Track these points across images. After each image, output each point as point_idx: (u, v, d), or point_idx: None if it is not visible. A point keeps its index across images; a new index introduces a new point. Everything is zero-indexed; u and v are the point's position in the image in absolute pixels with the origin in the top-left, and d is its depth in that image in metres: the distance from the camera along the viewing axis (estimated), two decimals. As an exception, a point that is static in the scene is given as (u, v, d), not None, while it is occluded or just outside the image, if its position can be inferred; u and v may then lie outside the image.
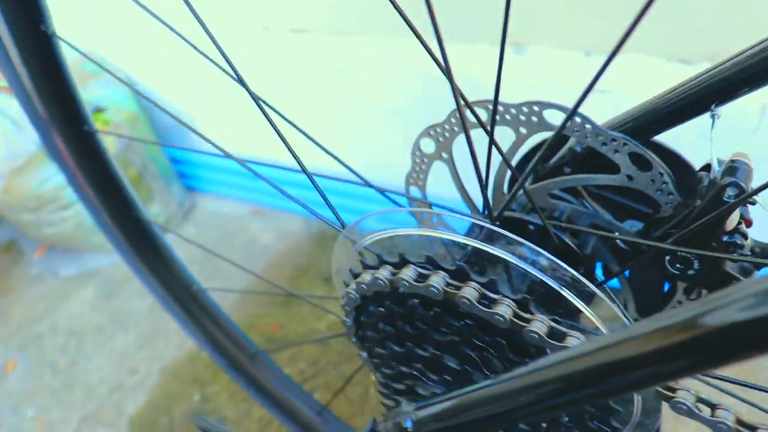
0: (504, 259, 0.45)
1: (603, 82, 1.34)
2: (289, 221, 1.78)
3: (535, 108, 0.55)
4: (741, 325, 0.27)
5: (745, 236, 0.51)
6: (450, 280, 0.47)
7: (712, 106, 0.50)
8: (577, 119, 0.54)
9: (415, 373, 0.51)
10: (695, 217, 0.49)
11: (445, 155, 0.65)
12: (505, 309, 0.45)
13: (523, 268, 0.45)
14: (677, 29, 1.17)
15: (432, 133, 0.64)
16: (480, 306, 0.45)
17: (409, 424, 0.42)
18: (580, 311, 0.45)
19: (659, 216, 0.55)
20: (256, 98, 0.59)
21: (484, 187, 0.50)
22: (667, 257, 0.54)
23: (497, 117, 0.56)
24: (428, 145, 0.65)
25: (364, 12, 1.46)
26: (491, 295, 0.46)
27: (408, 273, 0.48)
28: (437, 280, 0.47)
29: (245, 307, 1.55)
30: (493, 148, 0.52)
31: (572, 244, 0.58)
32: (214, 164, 1.90)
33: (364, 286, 0.52)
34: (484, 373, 0.48)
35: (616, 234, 0.56)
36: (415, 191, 0.70)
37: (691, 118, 0.52)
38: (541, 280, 0.46)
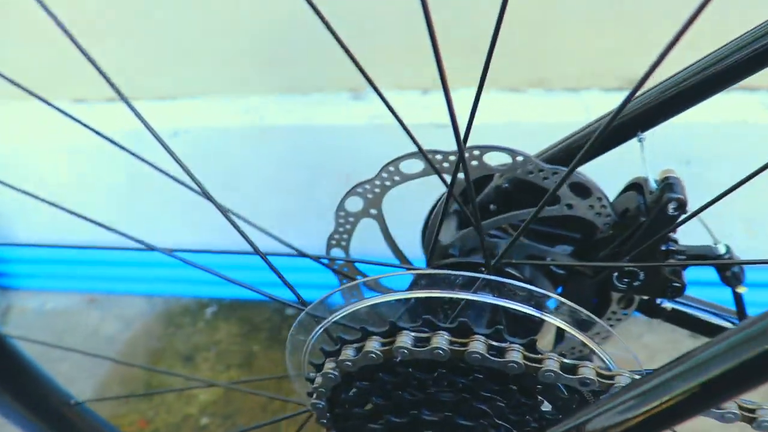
0: (513, 308, 0.45)
1: (443, 118, 1.40)
2: (129, 305, 1.61)
3: (476, 152, 0.56)
4: None
5: (676, 242, 0.56)
6: (454, 339, 0.45)
7: (638, 132, 0.55)
8: (519, 158, 0.55)
9: (425, 441, 0.49)
10: (644, 233, 0.53)
11: (373, 211, 0.63)
12: (516, 355, 0.44)
13: (534, 314, 0.45)
14: (506, 63, 1.27)
15: (360, 191, 0.62)
16: (492, 358, 0.44)
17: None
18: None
19: (599, 237, 0.58)
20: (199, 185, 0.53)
21: (482, 238, 0.49)
22: (615, 274, 0.57)
23: (437, 166, 0.56)
24: (355, 204, 0.63)
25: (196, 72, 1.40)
26: (499, 344, 0.45)
27: (405, 340, 0.46)
28: (441, 341, 0.45)
29: (101, 408, 1.36)
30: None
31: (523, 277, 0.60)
32: (25, 256, 1.68)
33: (348, 363, 0.48)
34: (497, 422, 0.47)
35: (591, 263, 0.58)
36: (337, 252, 0.68)
37: (619, 144, 0.56)
38: (540, 318, 0.46)
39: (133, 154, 0.53)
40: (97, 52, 0.49)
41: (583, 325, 0.47)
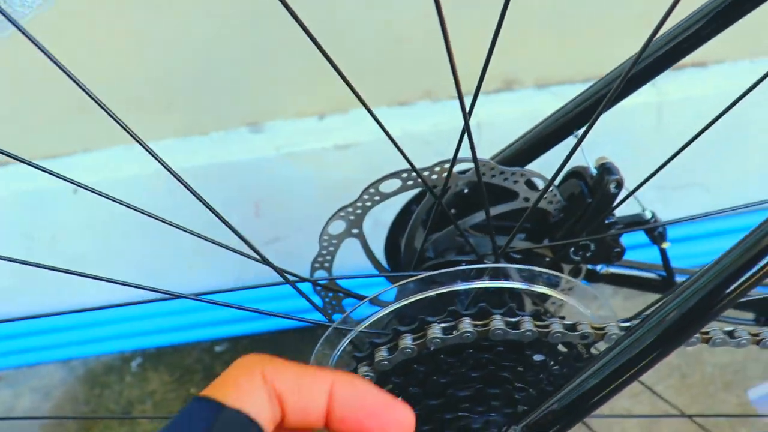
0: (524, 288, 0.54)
1: (345, 138, 1.48)
2: (45, 374, 1.53)
3: (446, 165, 0.65)
4: None
5: (614, 214, 0.69)
6: (476, 322, 0.54)
7: (573, 130, 0.66)
8: (483, 166, 0.65)
9: (461, 414, 0.56)
10: (592, 212, 0.65)
11: (355, 231, 0.70)
12: (529, 325, 0.54)
13: (536, 291, 0.55)
14: (392, 77, 1.37)
15: (342, 214, 0.69)
16: (512, 330, 0.53)
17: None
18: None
19: (551, 222, 0.70)
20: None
21: (492, 232, 0.58)
22: (572, 249, 0.68)
23: (412, 182, 0.65)
24: (338, 227, 0.70)
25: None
26: (513, 319, 0.54)
27: (435, 331, 0.53)
28: (467, 326, 0.53)
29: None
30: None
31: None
32: None
33: (385, 362, 0.55)
34: (518, 385, 0.56)
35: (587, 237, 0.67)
36: (322, 273, 0.73)
37: (559, 141, 0.67)
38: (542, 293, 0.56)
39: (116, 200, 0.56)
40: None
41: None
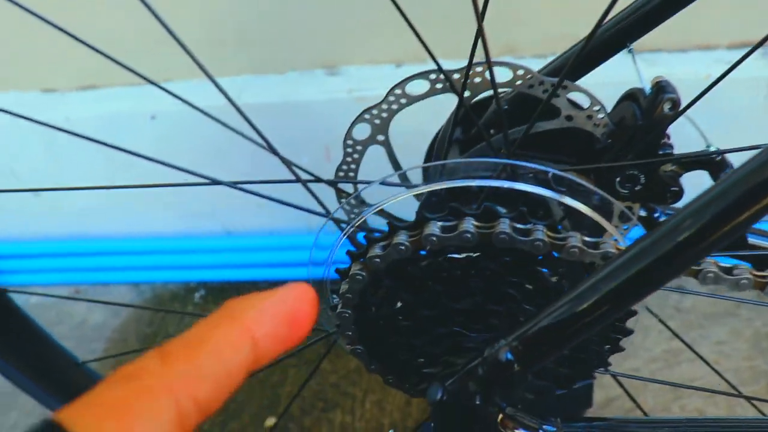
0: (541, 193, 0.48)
1: (419, 87, 1.43)
2: (117, 294, 1.61)
3: (478, 69, 0.59)
4: None
5: (671, 147, 0.60)
6: (479, 223, 0.48)
7: (627, 43, 0.58)
8: (520, 71, 0.59)
9: (456, 329, 0.51)
10: (641, 135, 0.57)
11: (381, 137, 0.66)
12: (541, 234, 0.47)
13: (557, 199, 0.48)
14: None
15: (367, 116, 0.64)
16: (519, 238, 0.47)
17: (509, 356, 0.42)
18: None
19: (598, 148, 0.62)
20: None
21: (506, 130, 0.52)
22: (618, 179, 0.61)
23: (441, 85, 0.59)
24: (363, 131, 0.66)
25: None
26: (523, 226, 0.48)
27: (433, 228, 0.48)
28: (468, 226, 0.47)
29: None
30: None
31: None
32: (6, 252, 1.66)
33: (377, 260, 0.50)
34: (526, 307, 0.50)
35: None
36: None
37: (611, 56, 0.60)
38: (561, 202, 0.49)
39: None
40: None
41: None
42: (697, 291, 0.77)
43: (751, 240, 0.65)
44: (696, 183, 0.62)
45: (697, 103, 0.52)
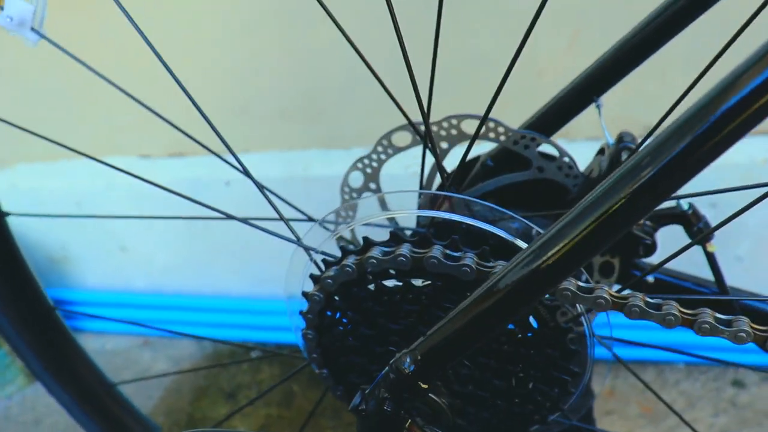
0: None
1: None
2: (180, 347, 1.71)
3: (453, 121, 0.64)
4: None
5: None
6: (415, 249, 0.52)
7: (594, 98, 0.62)
8: (491, 124, 0.63)
9: (392, 348, 0.54)
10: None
11: (372, 185, 0.71)
12: (470, 261, 0.50)
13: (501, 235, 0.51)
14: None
15: (360, 165, 0.71)
16: (447, 262, 0.50)
17: (409, 363, 0.44)
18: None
19: (569, 199, 0.64)
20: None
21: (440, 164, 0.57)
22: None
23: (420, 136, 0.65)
24: (356, 179, 0.72)
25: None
26: (455, 253, 0.51)
27: (375, 252, 0.52)
28: (404, 250, 0.51)
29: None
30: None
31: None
32: (90, 299, 1.81)
33: (329, 281, 0.55)
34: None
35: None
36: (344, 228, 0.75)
37: (580, 111, 0.63)
38: (495, 234, 0.52)
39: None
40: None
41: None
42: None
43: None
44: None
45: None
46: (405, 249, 0.51)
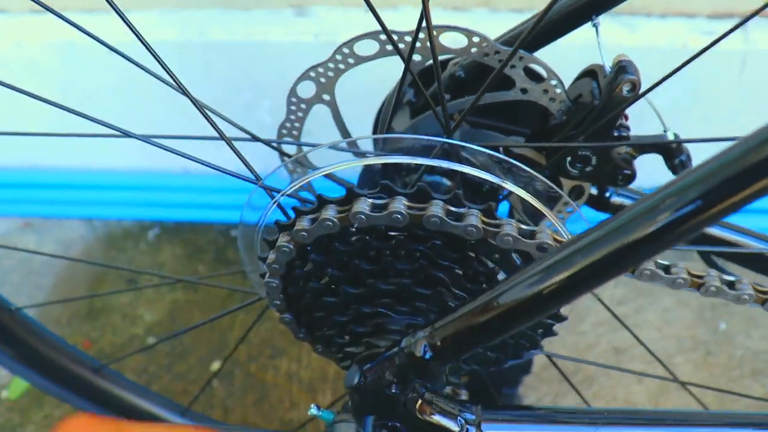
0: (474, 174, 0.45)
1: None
2: (68, 228, 1.56)
3: (434, 33, 0.55)
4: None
5: (628, 128, 0.57)
6: (411, 203, 0.45)
7: (593, 16, 0.55)
8: (475, 38, 0.55)
9: (381, 310, 0.49)
10: (597, 116, 0.54)
11: (326, 97, 0.62)
12: (475, 219, 0.44)
13: (494, 182, 0.45)
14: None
15: (313, 74, 0.60)
16: (451, 222, 0.44)
17: (426, 349, 0.40)
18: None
19: (552, 124, 0.59)
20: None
21: (445, 109, 0.49)
22: (569, 159, 0.58)
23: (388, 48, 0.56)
24: (307, 89, 0.62)
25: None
26: (457, 209, 0.45)
27: (362, 206, 0.45)
28: (399, 206, 0.45)
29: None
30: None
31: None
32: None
33: (303, 233, 0.47)
34: (455, 292, 0.48)
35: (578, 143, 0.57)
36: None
37: (574, 28, 0.56)
38: (500, 186, 0.46)
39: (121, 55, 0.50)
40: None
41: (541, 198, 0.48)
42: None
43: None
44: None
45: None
46: (400, 204, 0.45)
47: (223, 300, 1.38)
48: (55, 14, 0.48)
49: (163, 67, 0.50)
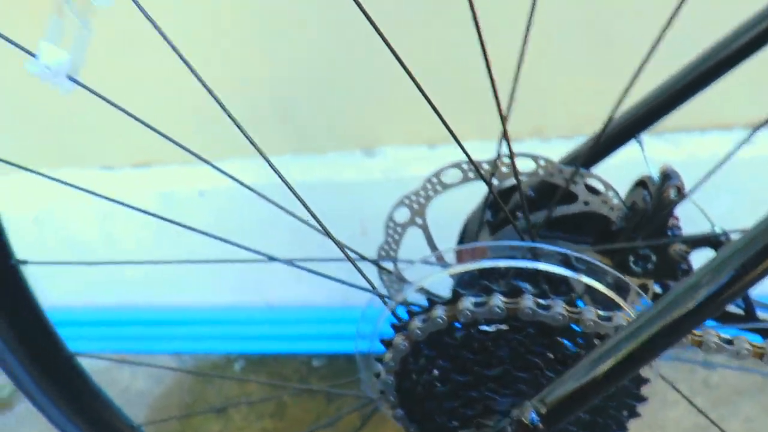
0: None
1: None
2: (160, 362, 1.68)
3: (506, 160, 0.67)
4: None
5: (680, 228, 0.67)
6: (507, 299, 0.55)
7: (636, 134, 0.66)
8: (541, 161, 0.67)
9: (488, 393, 0.57)
10: (650, 219, 0.64)
11: (419, 220, 0.74)
12: (560, 308, 0.54)
13: (583, 280, 0.55)
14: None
15: (407, 201, 0.73)
16: (541, 311, 0.54)
17: (534, 418, 0.48)
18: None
19: (613, 230, 0.69)
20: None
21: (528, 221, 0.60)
22: (631, 258, 0.67)
23: (471, 175, 0.68)
24: (402, 215, 0.74)
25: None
26: (545, 301, 0.55)
27: (466, 304, 0.55)
28: (497, 301, 0.54)
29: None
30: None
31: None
32: (56, 319, 1.75)
33: (418, 331, 0.57)
34: (548, 373, 0.56)
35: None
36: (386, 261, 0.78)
37: (621, 146, 0.68)
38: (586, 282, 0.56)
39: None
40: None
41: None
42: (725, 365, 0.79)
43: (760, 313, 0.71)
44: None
45: (718, 181, 0.59)
46: (498, 300, 0.54)
47: (309, 426, 1.44)
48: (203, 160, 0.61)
49: (302, 203, 0.63)
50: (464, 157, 0.65)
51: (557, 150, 1.37)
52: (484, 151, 1.41)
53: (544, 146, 1.43)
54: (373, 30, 0.50)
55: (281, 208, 0.68)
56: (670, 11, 0.49)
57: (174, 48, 0.52)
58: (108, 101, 0.58)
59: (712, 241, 0.68)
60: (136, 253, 1.65)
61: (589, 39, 1.28)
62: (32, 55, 0.50)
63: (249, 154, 1.50)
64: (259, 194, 0.68)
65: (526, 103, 1.42)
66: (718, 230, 0.68)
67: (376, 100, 1.44)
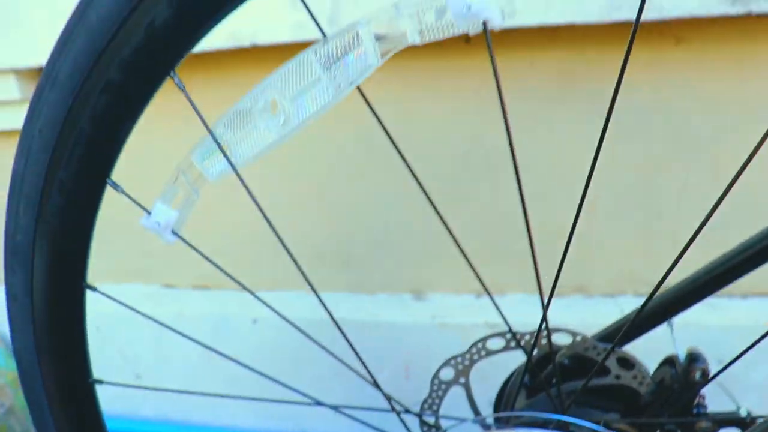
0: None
1: (494, 319, 1.55)
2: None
3: (545, 333, 0.75)
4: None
5: (705, 407, 0.72)
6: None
7: (668, 317, 0.74)
8: (578, 337, 0.74)
9: None
10: (677, 397, 0.70)
11: (462, 380, 0.81)
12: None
13: None
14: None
15: (453, 362, 0.80)
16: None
17: None
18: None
19: (642, 404, 0.75)
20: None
21: (560, 392, 0.67)
22: (659, 432, 0.72)
23: (512, 344, 0.76)
24: (447, 373, 0.81)
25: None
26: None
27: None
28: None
29: None
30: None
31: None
32: (122, 428, 1.82)
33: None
34: None
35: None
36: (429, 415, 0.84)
37: (653, 328, 0.75)
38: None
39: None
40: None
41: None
42: None
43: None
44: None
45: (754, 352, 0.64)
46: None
47: None
48: (250, 292, 0.70)
49: (354, 352, 0.71)
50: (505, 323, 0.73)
51: (597, 307, 1.43)
52: (526, 303, 1.48)
53: (587, 302, 1.50)
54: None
55: (330, 353, 0.76)
56: (719, 194, 0.49)
57: (254, 200, 0.61)
58: (185, 242, 0.68)
59: (737, 421, 0.73)
60: (182, 369, 1.73)
61: (639, 208, 1.37)
62: (147, 212, 0.61)
63: (306, 287, 1.61)
64: (307, 336, 0.76)
65: (572, 261, 1.51)
66: (743, 411, 0.73)
67: (429, 251, 1.54)
